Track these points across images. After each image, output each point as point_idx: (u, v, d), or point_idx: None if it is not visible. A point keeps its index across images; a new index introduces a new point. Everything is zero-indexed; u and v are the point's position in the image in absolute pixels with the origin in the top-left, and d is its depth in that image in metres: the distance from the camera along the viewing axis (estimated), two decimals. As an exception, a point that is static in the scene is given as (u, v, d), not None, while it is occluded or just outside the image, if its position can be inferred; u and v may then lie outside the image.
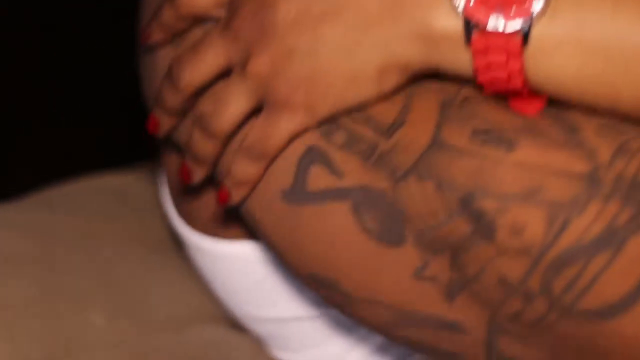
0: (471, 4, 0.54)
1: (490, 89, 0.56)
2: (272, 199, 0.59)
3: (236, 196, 0.60)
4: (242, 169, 0.59)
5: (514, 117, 0.57)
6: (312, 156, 0.58)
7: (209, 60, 0.59)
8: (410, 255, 0.57)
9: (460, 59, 0.55)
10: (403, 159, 0.57)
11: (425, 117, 0.57)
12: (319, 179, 0.58)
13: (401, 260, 0.57)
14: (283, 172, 0.59)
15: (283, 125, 0.58)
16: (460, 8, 0.54)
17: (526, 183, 0.55)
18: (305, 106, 0.57)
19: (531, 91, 0.56)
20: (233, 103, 0.58)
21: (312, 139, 0.58)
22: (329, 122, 0.58)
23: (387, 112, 0.58)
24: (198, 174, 0.62)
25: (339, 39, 0.56)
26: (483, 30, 0.54)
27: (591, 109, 0.56)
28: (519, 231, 0.55)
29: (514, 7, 0.54)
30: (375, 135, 0.58)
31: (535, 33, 0.54)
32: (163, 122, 0.62)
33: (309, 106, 0.57)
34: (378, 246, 0.57)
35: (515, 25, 0.54)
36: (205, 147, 0.60)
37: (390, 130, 0.58)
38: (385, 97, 0.57)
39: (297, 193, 0.59)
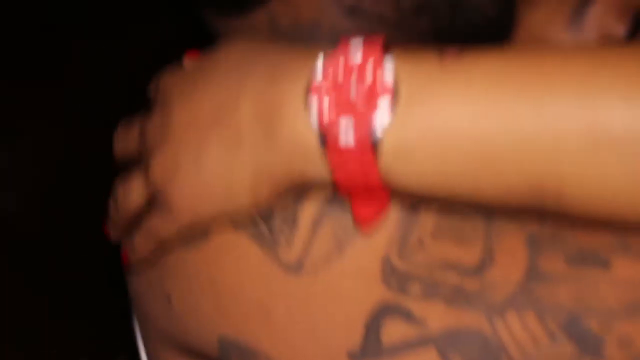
0: (324, 117, 0.55)
1: (348, 194, 0.57)
2: None
3: (133, 259, 0.66)
4: (138, 241, 0.65)
5: (605, 237, 0.58)
6: (384, 311, 0.59)
7: (125, 145, 0.66)
8: None
9: (319, 168, 0.57)
10: (497, 295, 0.58)
11: (514, 252, 0.58)
12: (395, 331, 0.59)
13: None
14: (347, 332, 0.59)
15: (166, 225, 0.62)
16: (314, 121, 0.56)
17: (627, 298, 0.56)
18: (189, 211, 0.61)
19: (380, 192, 0.57)
20: (132, 194, 0.64)
21: (380, 294, 0.59)
22: (399, 275, 0.59)
23: (467, 255, 0.59)
24: (114, 235, 0.69)
25: (218, 153, 0.59)
26: (336, 144, 0.55)
27: (453, 202, 0.57)
28: (627, 344, 0.56)
29: (364, 119, 0.55)
30: (459, 278, 0.58)
31: (387, 139, 0.54)
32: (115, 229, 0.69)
33: (192, 212, 0.61)
34: None
35: (366, 137, 0.54)
36: (116, 218, 0.67)
37: (478, 270, 0.58)
38: (261, 206, 0.60)
39: (369, 351, 0.59)
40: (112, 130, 0.70)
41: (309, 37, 0.71)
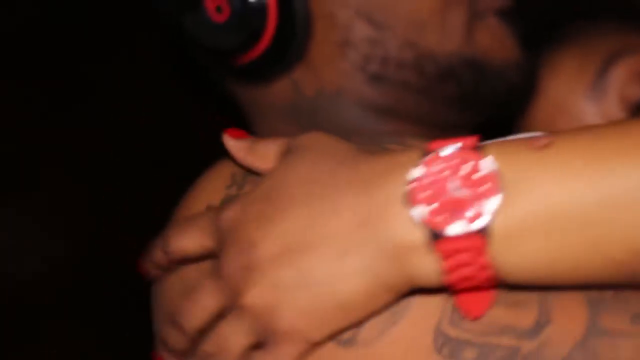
0: (430, 212, 0.56)
1: (459, 288, 0.58)
2: None
3: None
4: None
5: None
6: None
7: (204, 305, 0.62)
8: None
9: (429, 266, 0.57)
10: (555, 353, 0.58)
11: (573, 312, 0.59)
12: None
13: None
14: None
15: (285, 355, 0.60)
16: (420, 218, 0.56)
17: None
18: (303, 335, 0.59)
19: (486, 287, 0.58)
20: (233, 341, 0.61)
21: None
22: (452, 342, 0.60)
23: (522, 318, 0.60)
24: None
25: (322, 271, 0.58)
26: (444, 236, 0.56)
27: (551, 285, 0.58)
28: None
29: (470, 208, 0.56)
30: (515, 340, 0.59)
31: (495, 227, 0.56)
32: None
33: (307, 335, 0.59)
34: None
35: (474, 225, 0.56)
36: None
37: (535, 331, 0.59)
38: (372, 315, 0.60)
39: None
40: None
41: (332, 104, 0.71)
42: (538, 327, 0.59)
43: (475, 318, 0.59)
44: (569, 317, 0.59)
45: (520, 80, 0.73)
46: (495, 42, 0.72)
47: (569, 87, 0.81)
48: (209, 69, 0.78)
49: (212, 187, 0.69)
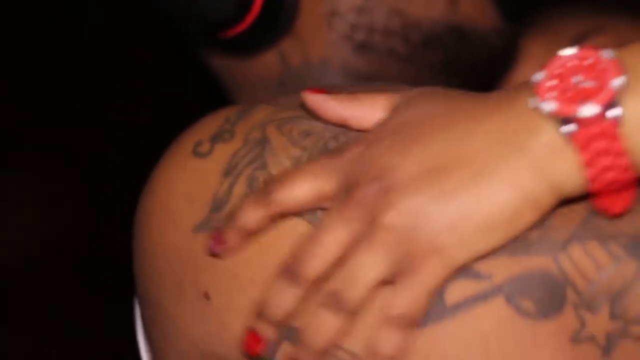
0: (559, 105, 0.56)
1: (599, 186, 0.57)
2: None
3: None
4: (393, 343, 0.58)
5: None
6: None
7: (332, 244, 0.58)
8: (568, 320, 0.58)
9: (569, 163, 0.56)
10: (560, 235, 0.59)
11: (572, 206, 0.59)
12: (460, 291, 0.59)
13: (559, 329, 0.58)
14: None
15: (427, 282, 0.58)
16: (551, 111, 0.56)
17: None
18: (445, 255, 0.57)
19: (627, 183, 0.58)
20: (368, 270, 0.58)
21: None
22: None
23: None
24: None
25: (465, 187, 0.57)
26: (577, 120, 0.56)
27: None
28: None
29: (597, 95, 0.56)
30: (522, 232, 0.59)
31: (624, 110, 0.56)
32: (270, 335, 0.61)
33: (450, 254, 0.57)
34: (536, 323, 0.58)
35: (604, 108, 0.56)
36: (331, 326, 0.59)
37: (539, 222, 0.59)
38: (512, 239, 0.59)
39: (432, 315, 0.59)
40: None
41: (319, 75, 0.72)
42: (543, 217, 0.59)
43: (616, 215, 0.59)
44: (571, 207, 0.59)
45: (502, 45, 0.74)
46: (477, 10, 0.74)
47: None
48: (196, 47, 0.79)
49: (203, 126, 0.67)
